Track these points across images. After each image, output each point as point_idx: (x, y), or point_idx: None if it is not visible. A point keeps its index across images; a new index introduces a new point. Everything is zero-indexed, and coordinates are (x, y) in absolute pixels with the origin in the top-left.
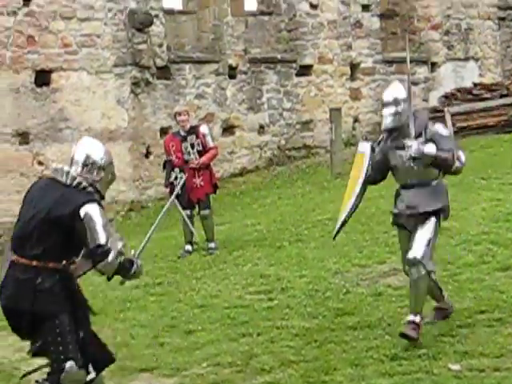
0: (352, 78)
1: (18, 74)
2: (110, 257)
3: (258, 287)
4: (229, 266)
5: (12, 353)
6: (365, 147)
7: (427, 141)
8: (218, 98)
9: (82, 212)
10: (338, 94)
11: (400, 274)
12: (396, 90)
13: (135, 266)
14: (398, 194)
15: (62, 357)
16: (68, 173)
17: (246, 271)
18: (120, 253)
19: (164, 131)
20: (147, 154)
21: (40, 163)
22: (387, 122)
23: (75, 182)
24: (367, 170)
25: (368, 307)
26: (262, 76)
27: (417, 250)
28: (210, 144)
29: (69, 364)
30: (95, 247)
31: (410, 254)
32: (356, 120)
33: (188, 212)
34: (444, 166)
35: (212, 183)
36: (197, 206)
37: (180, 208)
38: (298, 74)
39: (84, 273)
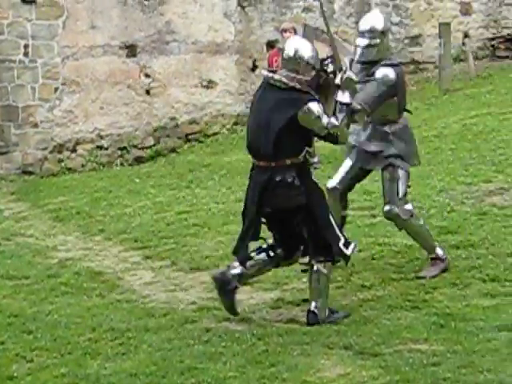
0: None
1: None
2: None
3: (362, 203)
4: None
5: (116, 263)
6: None
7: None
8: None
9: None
10: (448, 9)
11: (507, 193)
12: (374, 18)
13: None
14: None
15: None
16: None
17: None
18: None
19: (271, 45)
20: (253, 68)
21: (147, 75)
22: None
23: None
24: None
25: (472, 226)
26: None
27: None
28: None
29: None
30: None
31: None
32: (466, 35)
33: None
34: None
35: None
36: None
37: None
38: None
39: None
